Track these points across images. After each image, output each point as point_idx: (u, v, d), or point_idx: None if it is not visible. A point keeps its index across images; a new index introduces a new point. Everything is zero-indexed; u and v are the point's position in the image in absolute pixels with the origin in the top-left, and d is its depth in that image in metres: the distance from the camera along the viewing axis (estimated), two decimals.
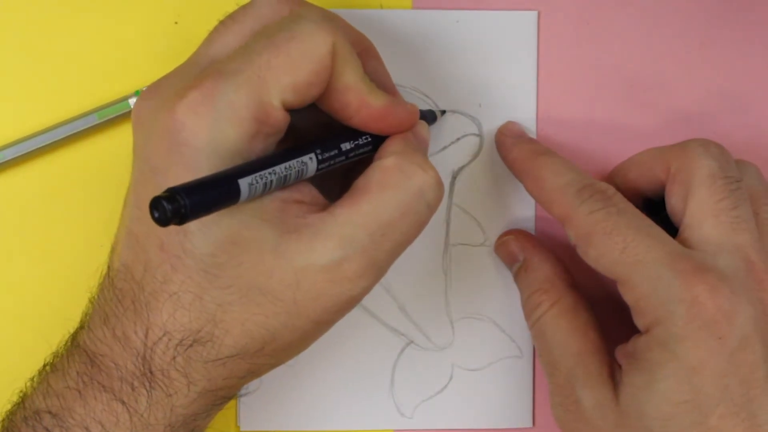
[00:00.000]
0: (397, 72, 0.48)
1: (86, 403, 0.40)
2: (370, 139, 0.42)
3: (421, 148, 0.43)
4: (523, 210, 0.49)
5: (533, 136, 0.49)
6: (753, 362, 0.40)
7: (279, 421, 0.49)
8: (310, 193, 0.41)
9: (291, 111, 0.40)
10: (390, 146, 0.42)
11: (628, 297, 0.42)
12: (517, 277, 0.48)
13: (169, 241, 0.39)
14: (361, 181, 0.40)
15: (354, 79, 0.40)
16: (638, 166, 0.46)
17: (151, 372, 0.39)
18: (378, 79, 0.44)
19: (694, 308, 0.40)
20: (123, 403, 0.39)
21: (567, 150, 0.49)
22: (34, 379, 0.42)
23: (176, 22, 0.48)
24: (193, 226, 0.38)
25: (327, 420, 0.49)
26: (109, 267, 0.41)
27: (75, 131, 0.47)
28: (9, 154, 0.47)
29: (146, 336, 0.39)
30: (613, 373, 0.43)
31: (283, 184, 0.39)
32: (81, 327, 0.42)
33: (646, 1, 0.49)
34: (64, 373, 0.41)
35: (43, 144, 0.47)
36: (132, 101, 0.47)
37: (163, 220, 0.34)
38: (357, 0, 0.48)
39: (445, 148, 0.49)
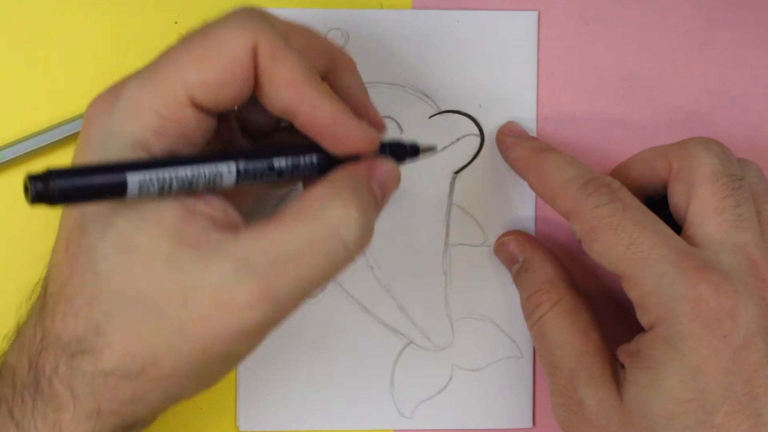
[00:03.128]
0: (397, 72, 0.48)
1: None
2: (315, 162, 0.39)
3: (368, 188, 0.39)
4: (523, 210, 0.49)
5: (534, 135, 0.49)
6: (757, 360, 0.40)
7: (279, 421, 0.49)
8: (223, 209, 0.38)
9: (252, 131, 0.39)
10: (332, 175, 0.38)
11: (632, 293, 0.42)
12: (517, 277, 0.48)
13: (72, 241, 0.37)
14: (281, 209, 0.38)
15: (291, 76, 0.37)
16: (640, 165, 0.46)
17: (37, 381, 0.37)
18: (349, 93, 0.42)
19: (698, 306, 0.40)
20: (12, 417, 0.37)
21: (568, 150, 0.49)
22: None
23: (176, 22, 0.48)
24: (90, 225, 0.37)
25: (327, 420, 0.49)
26: None
27: (75, 131, 0.47)
28: (9, 154, 0.47)
29: (41, 341, 0.37)
30: (616, 372, 0.43)
31: (189, 189, 0.37)
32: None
33: (646, 1, 0.49)
34: None
35: (43, 144, 0.47)
36: None
37: (33, 197, 0.34)
38: (357, 0, 0.48)
39: (445, 148, 0.49)
